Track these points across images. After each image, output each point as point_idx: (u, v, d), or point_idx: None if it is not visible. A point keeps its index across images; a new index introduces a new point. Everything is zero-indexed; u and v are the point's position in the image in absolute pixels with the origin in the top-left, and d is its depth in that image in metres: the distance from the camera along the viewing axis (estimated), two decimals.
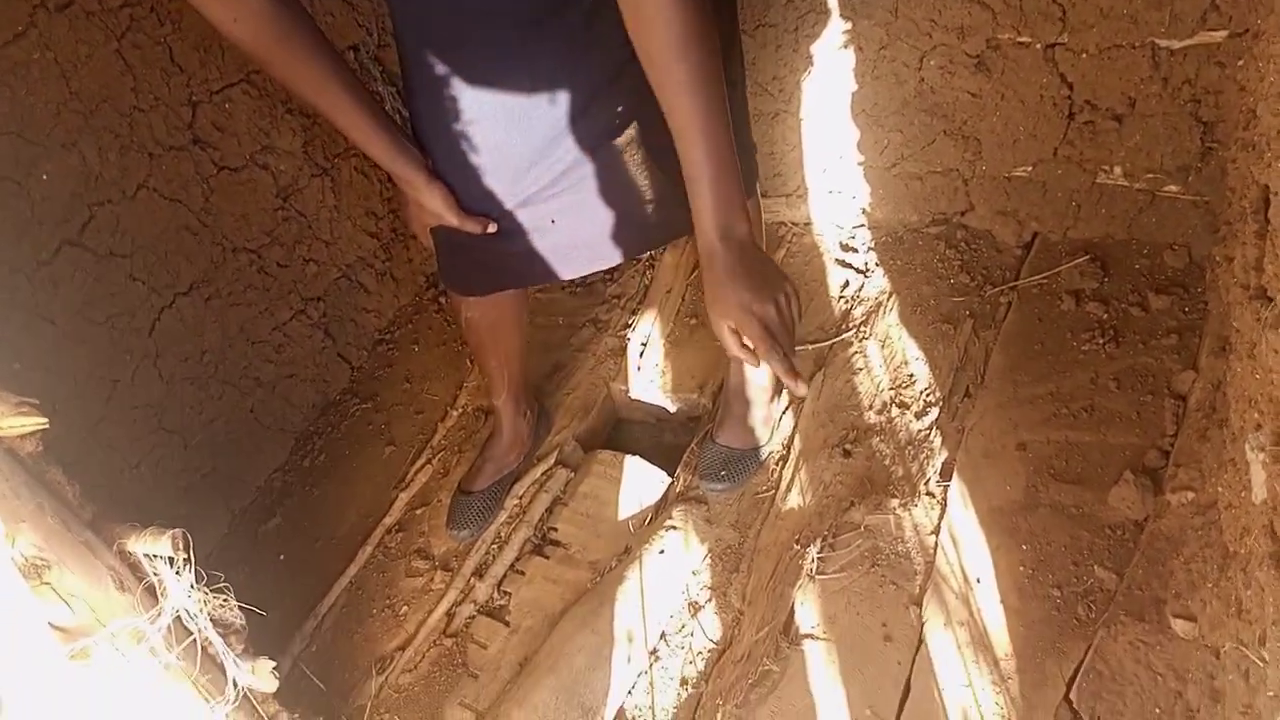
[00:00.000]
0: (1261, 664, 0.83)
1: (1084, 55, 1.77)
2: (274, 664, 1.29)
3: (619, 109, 1.36)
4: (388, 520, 2.01)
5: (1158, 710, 1.37)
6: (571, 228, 1.46)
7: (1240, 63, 1.65)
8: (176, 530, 1.13)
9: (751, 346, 1.14)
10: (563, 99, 1.33)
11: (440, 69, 1.31)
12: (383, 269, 2.39)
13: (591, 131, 1.37)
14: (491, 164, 1.38)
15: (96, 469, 1.75)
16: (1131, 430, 1.71)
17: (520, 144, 1.36)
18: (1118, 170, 1.90)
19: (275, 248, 2.07)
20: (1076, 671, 1.45)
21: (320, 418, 2.26)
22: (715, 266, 1.14)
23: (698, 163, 1.12)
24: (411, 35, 1.33)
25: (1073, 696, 1.43)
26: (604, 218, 1.46)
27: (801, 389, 1.10)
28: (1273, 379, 0.91)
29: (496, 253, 1.50)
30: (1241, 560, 1.11)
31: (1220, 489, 1.35)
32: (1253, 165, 1.34)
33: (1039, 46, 1.80)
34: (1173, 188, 1.88)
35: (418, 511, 2.02)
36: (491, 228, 1.44)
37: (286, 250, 2.10)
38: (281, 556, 2.00)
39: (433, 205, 1.42)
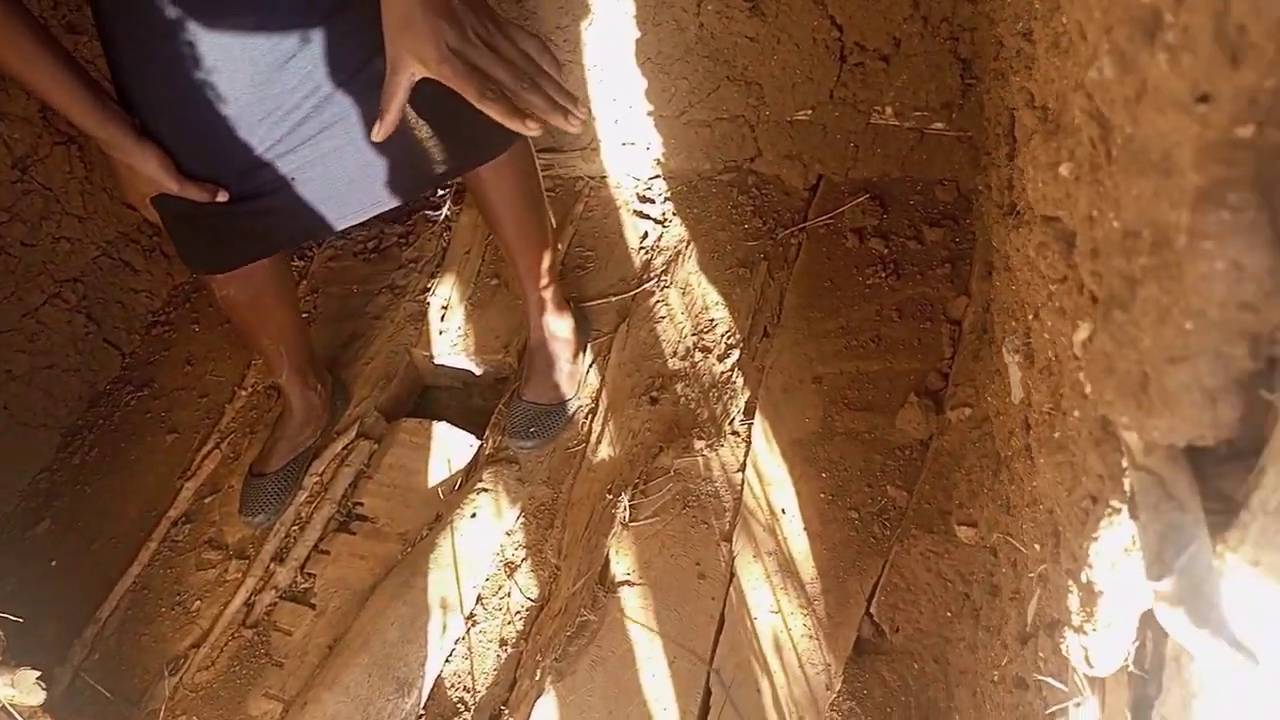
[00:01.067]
0: (1023, 549, 0.88)
1: None
2: (38, 674, 1.17)
3: (368, 45, 1.22)
4: (173, 513, 1.86)
5: (949, 614, 1.45)
6: (320, 181, 1.33)
7: None
8: None
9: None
10: (291, 38, 1.21)
11: (144, 11, 1.18)
12: (150, 244, 2.19)
13: (335, 73, 1.25)
14: (213, 118, 1.24)
15: None
16: (914, 356, 1.80)
17: (246, 93, 1.23)
18: (889, 110, 1.99)
19: (16, 225, 1.86)
20: (876, 586, 1.52)
21: (89, 410, 2.06)
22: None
23: None
24: None
25: (873, 610, 1.50)
26: (354, 168, 1.33)
27: (533, 129, 0.98)
28: (1019, 285, 0.97)
29: (236, 219, 1.35)
30: (1009, 461, 1.19)
31: (989, 399, 1.44)
32: (1002, 93, 1.42)
33: None
34: (939, 125, 1.98)
35: (207, 500, 1.88)
36: (222, 195, 1.30)
37: (30, 228, 1.89)
38: (53, 562, 1.82)
39: (147, 169, 1.26)
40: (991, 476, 1.41)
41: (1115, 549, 0.54)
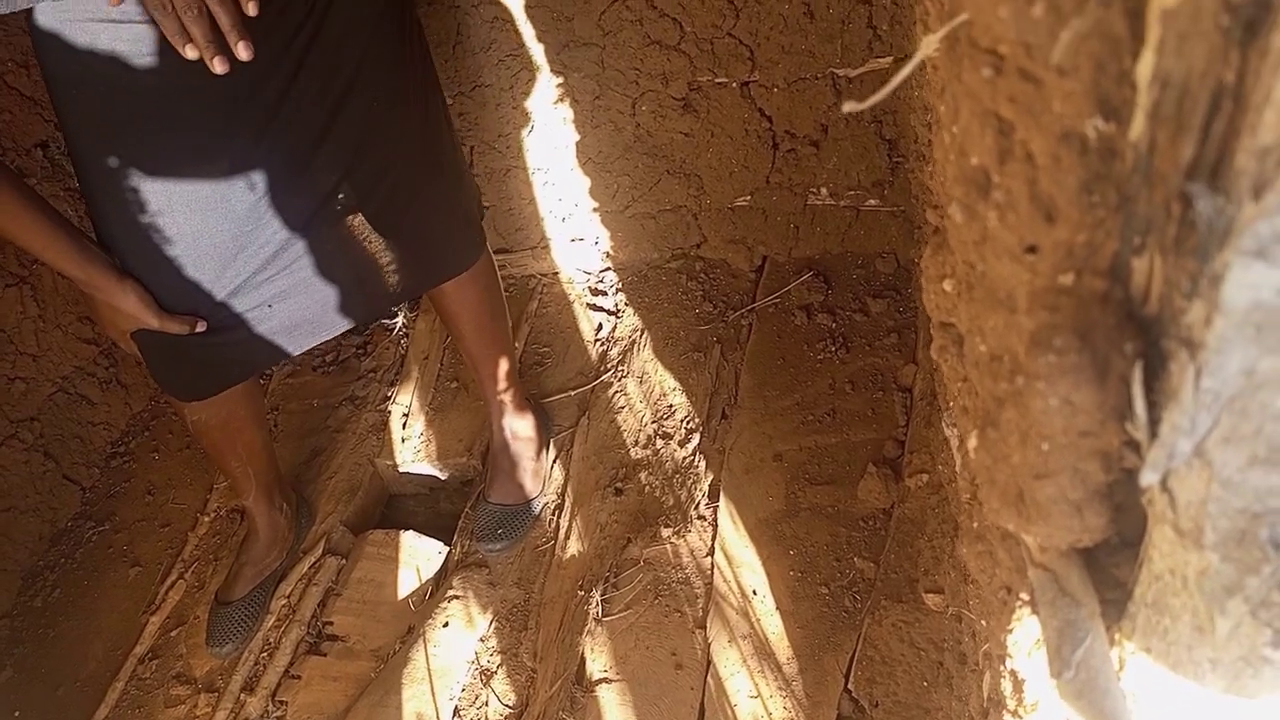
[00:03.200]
0: (980, 622, 0.90)
1: (775, 90, 1.91)
2: None
3: (327, 179, 1.33)
4: (138, 649, 1.82)
5: (925, 683, 1.46)
6: (292, 308, 1.39)
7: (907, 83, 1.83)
8: None
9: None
10: (260, 179, 1.28)
11: (120, 158, 1.23)
12: (107, 376, 2.19)
13: (298, 208, 1.32)
14: (192, 256, 1.30)
15: None
16: (869, 426, 1.83)
17: (221, 231, 1.29)
18: (824, 191, 2.06)
19: None
20: (851, 661, 1.52)
21: (50, 549, 2.03)
22: None
23: None
24: (84, 125, 1.24)
25: (851, 686, 1.50)
26: (326, 293, 1.41)
27: (191, 52, 1.08)
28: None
29: (213, 348, 1.40)
30: (961, 528, 1.21)
31: (942, 466, 1.47)
32: (921, 175, 1.48)
33: (735, 85, 1.92)
34: (873, 202, 2.06)
35: (173, 634, 1.84)
36: (200, 326, 1.34)
37: None
38: (17, 713, 1.77)
39: (127, 307, 1.30)
40: (951, 543, 1.43)
41: (1029, 640, 0.56)
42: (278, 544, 1.85)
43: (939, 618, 1.48)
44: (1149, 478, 0.37)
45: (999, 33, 0.36)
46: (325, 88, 1.29)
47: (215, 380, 1.50)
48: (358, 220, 1.38)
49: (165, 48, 1.15)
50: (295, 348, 1.46)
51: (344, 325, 1.47)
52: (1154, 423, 0.37)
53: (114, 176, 1.24)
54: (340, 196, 1.35)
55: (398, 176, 1.40)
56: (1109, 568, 0.44)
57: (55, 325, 2.05)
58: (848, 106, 0.44)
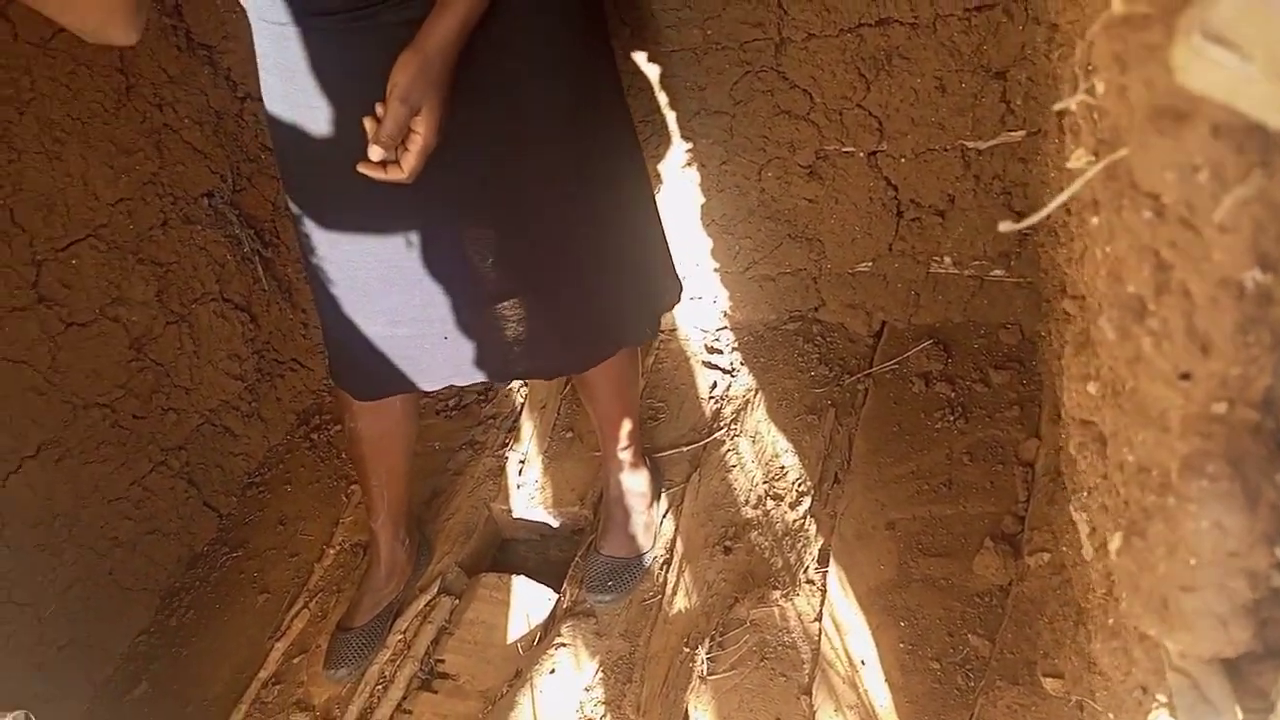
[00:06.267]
0: (1108, 715, 0.88)
1: (903, 160, 1.93)
2: None
3: (519, 259, 1.47)
4: (263, 674, 1.91)
5: None
6: (464, 346, 1.53)
7: (1037, 157, 1.82)
8: (18, 712, 1.06)
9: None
10: (456, 252, 1.44)
11: (329, 213, 1.41)
12: (249, 410, 2.34)
13: (498, 277, 1.47)
14: (382, 285, 1.45)
15: None
16: (988, 499, 1.80)
17: (424, 284, 1.45)
18: (947, 260, 2.05)
19: (130, 400, 2.01)
20: None
21: (187, 572, 2.15)
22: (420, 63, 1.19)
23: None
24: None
25: None
26: (496, 344, 1.54)
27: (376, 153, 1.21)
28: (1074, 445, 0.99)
29: (385, 355, 1.53)
30: (1089, 615, 1.18)
31: (1065, 548, 1.43)
32: (1053, 251, 1.47)
33: (862, 155, 1.95)
34: (998, 272, 2.04)
35: (295, 661, 1.93)
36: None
37: (142, 401, 2.04)
38: None
39: None
40: (1074, 627, 1.39)
41: None
42: (396, 575, 1.93)
43: (1058, 704, 1.43)
44: None
45: (1160, 186, 0.38)
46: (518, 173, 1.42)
47: (380, 384, 1.62)
48: (543, 292, 1.52)
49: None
50: (459, 379, 1.60)
51: (505, 377, 1.63)
52: None
53: (322, 223, 1.41)
54: (535, 274, 1.50)
55: (582, 258, 1.53)
56: (1251, 677, 0.44)
57: (207, 361, 2.20)
58: (1004, 226, 0.47)
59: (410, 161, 1.21)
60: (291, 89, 1.32)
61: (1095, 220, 0.54)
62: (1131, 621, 0.46)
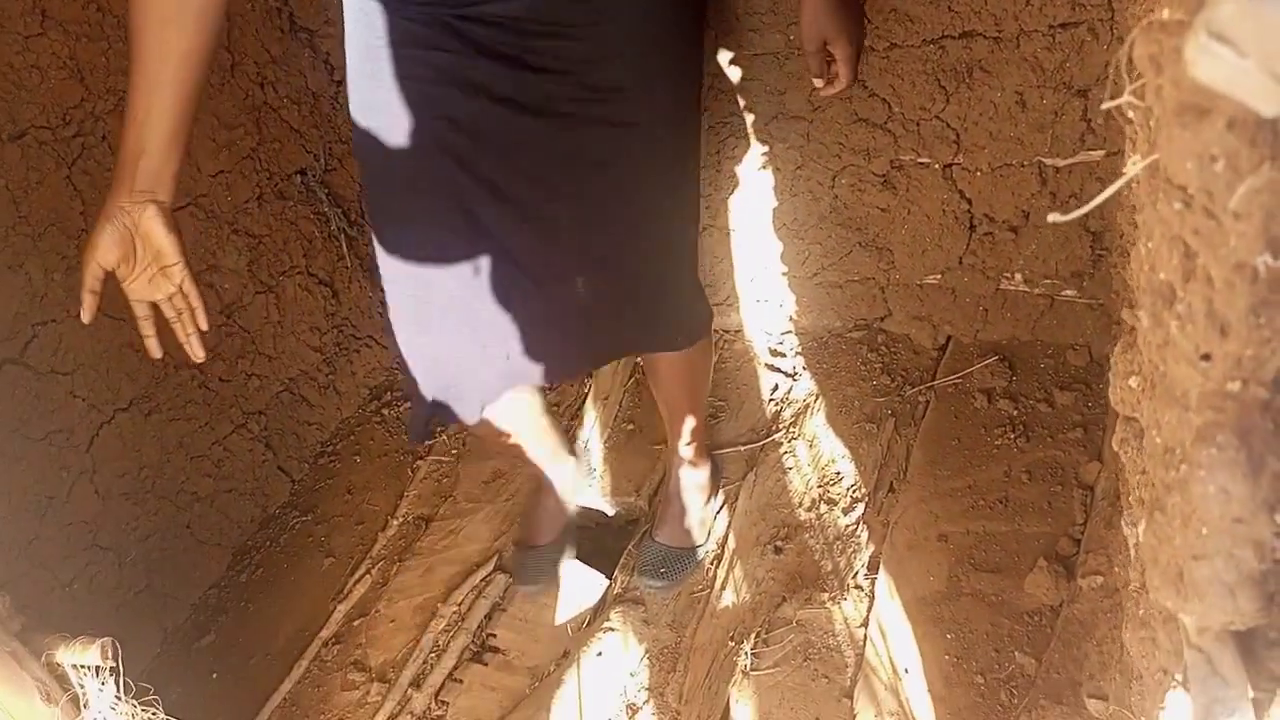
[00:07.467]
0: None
1: (978, 173, 1.93)
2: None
3: (583, 267, 1.47)
4: (324, 633, 2.00)
5: None
6: (526, 348, 1.51)
7: (1115, 177, 1.81)
8: (106, 639, 1.14)
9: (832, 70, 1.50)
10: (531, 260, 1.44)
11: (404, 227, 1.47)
12: (325, 382, 2.43)
13: (557, 275, 1.47)
14: (461, 289, 1.45)
15: (28, 587, 1.74)
16: (1044, 520, 1.79)
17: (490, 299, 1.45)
18: (1018, 277, 2.04)
19: (218, 363, 2.11)
20: None
21: (259, 532, 2.26)
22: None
23: None
24: (381, 211, 1.49)
25: None
26: (587, 321, 1.54)
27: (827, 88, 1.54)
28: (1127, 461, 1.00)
29: (473, 369, 1.51)
30: (1128, 615, 1.18)
31: (1118, 570, 1.43)
32: (1124, 273, 1.47)
33: (938, 166, 1.95)
34: (1070, 292, 2.02)
35: (355, 623, 2.02)
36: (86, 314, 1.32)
37: (229, 366, 2.14)
38: (215, 674, 1.97)
39: (99, 237, 1.25)
40: (1121, 649, 1.39)
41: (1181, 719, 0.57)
42: (568, 496, 2.01)
43: None
44: None
45: (1185, 177, 0.42)
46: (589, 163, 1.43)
47: (478, 402, 1.55)
48: (607, 283, 1.52)
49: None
50: (531, 373, 1.56)
51: (584, 365, 1.67)
52: None
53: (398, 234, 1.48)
54: (599, 269, 1.50)
55: (642, 248, 1.54)
56: (1267, 661, 0.47)
57: (290, 332, 2.30)
58: (1053, 217, 0.50)
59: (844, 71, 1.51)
60: (375, 84, 1.34)
61: (1139, 219, 0.56)
62: (1154, 596, 0.49)
